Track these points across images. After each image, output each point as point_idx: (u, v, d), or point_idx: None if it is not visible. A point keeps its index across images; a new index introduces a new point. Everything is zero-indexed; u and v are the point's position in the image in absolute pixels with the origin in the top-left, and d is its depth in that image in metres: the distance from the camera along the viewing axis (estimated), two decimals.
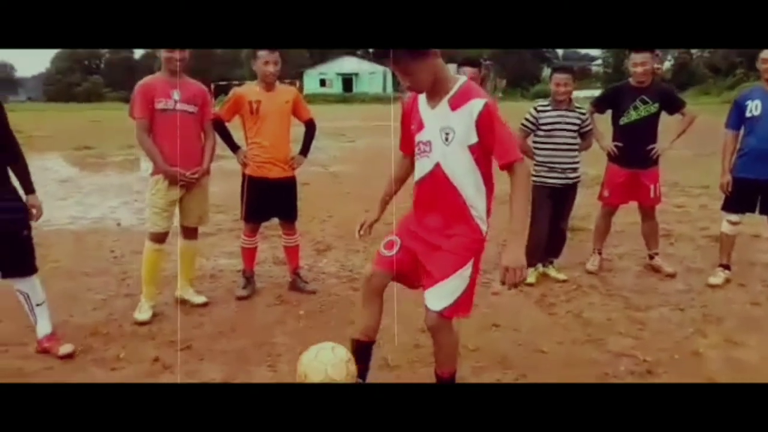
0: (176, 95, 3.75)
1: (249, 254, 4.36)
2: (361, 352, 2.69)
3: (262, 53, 3.97)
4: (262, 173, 4.11)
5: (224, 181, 8.39)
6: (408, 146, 2.61)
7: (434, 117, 2.38)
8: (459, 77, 2.41)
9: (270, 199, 4.17)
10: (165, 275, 4.28)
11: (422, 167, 2.47)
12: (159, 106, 3.72)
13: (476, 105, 2.29)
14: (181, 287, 4.16)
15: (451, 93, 2.34)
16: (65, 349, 3.30)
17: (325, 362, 2.49)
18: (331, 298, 4.25)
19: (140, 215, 6.55)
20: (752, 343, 3.44)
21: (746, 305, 4.05)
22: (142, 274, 3.94)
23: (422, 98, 2.44)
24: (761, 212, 4.32)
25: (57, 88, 66.05)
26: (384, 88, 56.24)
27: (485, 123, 2.29)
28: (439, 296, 2.40)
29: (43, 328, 3.36)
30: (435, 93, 2.37)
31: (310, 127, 4.39)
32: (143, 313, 3.82)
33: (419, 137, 2.45)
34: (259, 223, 4.34)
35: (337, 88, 57.83)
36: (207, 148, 3.97)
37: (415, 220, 2.55)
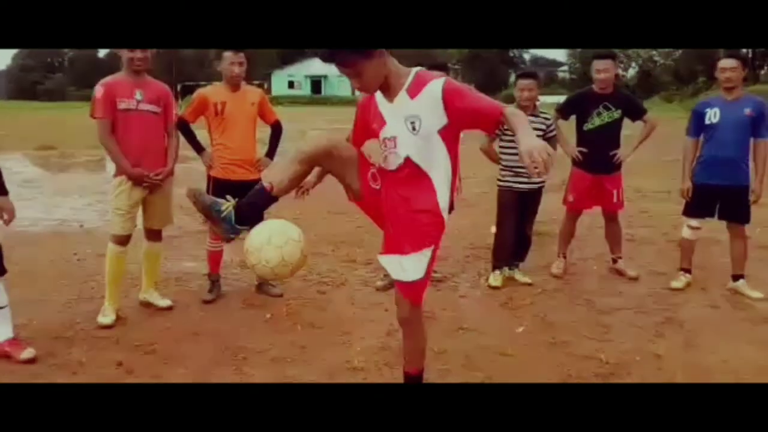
0: (139, 95, 3.69)
1: (215, 257, 4.31)
2: (263, 196, 2.51)
3: (228, 54, 3.94)
4: (226, 175, 4.07)
5: (190, 183, 8.27)
6: (359, 141, 2.61)
7: (395, 110, 2.35)
8: (412, 69, 2.37)
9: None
10: (129, 278, 4.21)
11: (391, 163, 2.42)
12: (121, 106, 3.65)
13: (435, 85, 2.25)
14: (145, 290, 4.09)
15: (407, 83, 2.31)
16: (27, 353, 3.21)
17: (280, 245, 2.43)
18: (298, 302, 4.23)
19: (104, 217, 6.42)
20: (712, 346, 3.54)
21: (706, 308, 4.16)
22: (105, 277, 3.86)
23: (378, 97, 2.41)
24: (720, 217, 4.44)
25: (19, 86, 64.38)
26: (353, 91, 56.11)
27: (451, 97, 2.23)
28: (414, 267, 2.39)
29: (4, 332, 3.26)
30: (390, 88, 2.34)
31: (277, 130, 4.37)
32: (106, 317, 3.74)
33: (383, 134, 2.41)
34: None
35: (305, 90, 57.55)
36: (171, 149, 3.91)
37: (385, 193, 2.48)
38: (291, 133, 4.47)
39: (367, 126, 2.51)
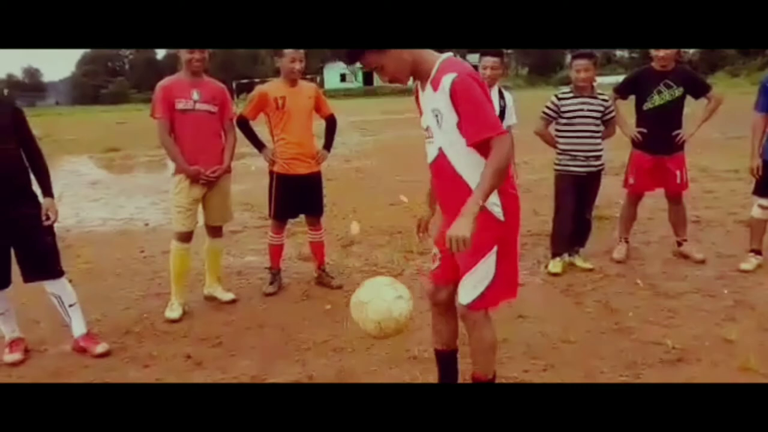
0: (196, 95, 3.81)
1: (276, 251, 4.41)
2: (445, 360, 2.70)
3: (289, 51, 4.01)
4: (290, 170, 4.15)
5: (250, 179, 8.48)
6: None
7: (426, 101, 2.31)
8: (442, 55, 2.25)
9: (298, 196, 4.22)
10: (194, 273, 4.36)
11: (429, 154, 2.40)
12: (179, 106, 3.78)
13: (446, 80, 2.14)
14: (209, 285, 4.23)
15: (432, 74, 2.23)
16: (101, 348, 3.39)
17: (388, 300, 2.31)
18: None
19: (168, 215, 6.64)
20: None
21: None
22: (170, 273, 4.01)
23: (419, 84, 2.37)
24: None
25: (83, 91, 67.33)
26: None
27: (457, 97, 2.14)
28: (465, 289, 2.37)
29: (78, 328, 3.46)
30: (420, 77, 2.30)
31: (331, 123, 4.43)
32: (174, 311, 3.90)
33: (422, 123, 2.39)
34: (286, 220, 4.39)
35: (358, 82, 57.81)
36: (227, 147, 4.02)
37: (440, 214, 2.51)
38: (343, 126, 4.52)
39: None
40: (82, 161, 13.40)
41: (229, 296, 4.17)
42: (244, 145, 4.25)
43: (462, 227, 2.04)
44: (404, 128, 16.47)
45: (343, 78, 58.18)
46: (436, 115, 2.24)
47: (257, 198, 7.39)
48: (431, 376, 2.89)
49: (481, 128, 2.14)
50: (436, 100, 2.22)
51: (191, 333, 3.69)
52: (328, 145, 4.40)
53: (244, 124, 4.17)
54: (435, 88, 2.21)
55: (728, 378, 2.85)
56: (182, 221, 3.89)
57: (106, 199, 8.55)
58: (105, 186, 9.78)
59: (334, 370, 3.14)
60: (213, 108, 3.89)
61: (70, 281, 3.61)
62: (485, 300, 2.38)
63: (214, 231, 4.17)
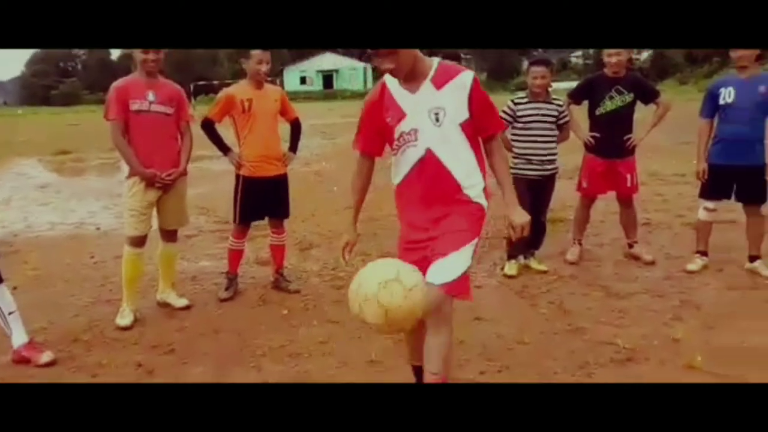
0: (151, 96, 3.72)
1: (236, 256, 4.35)
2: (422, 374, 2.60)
3: (256, 52, 3.98)
4: (256, 172, 4.11)
5: (206, 183, 8.34)
6: (374, 145, 2.47)
7: (417, 101, 2.29)
8: (433, 59, 2.34)
9: (264, 198, 4.19)
10: (146, 279, 4.26)
11: (409, 158, 2.34)
12: (134, 107, 3.69)
13: (467, 77, 2.28)
14: (163, 291, 4.13)
15: (432, 73, 2.28)
16: (45, 357, 3.26)
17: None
18: (315, 297, 4.25)
19: (120, 219, 6.46)
20: (729, 327, 3.50)
21: (723, 290, 4.12)
22: (122, 278, 3.90)
23: (393, 87, 2.34)
24: (737, 199, 4.39)
25: (32, 92, 65.12)
26: (365, 84, 56.15)
27: (478, 94, 2.29)
28: (442, 270, 2.24)
29: (19, 337, 3.31)
30: (413, 77, 2.29)
31: (297, 126, 4.43)
32: (124, 318, 3.79)
33: (401, 128, 2.33)
34: (249, 225, 4.33)
35: (317, 85, 57.62)
36: (184, 149, 3.95)
37: (408, 227, 2.44)
38: (303, 129, 4.52)
39: (378, 123, 2.40)
40: (31, 164, 12.95)
41: (182, 302, 4.08)
42: (200, 147, 4.18)
43: (524, 214, 2.37)
44: None
45: (302, 81, 57.89)
46: (436, 113, 2.28)
47: (213, 201, 7.29)
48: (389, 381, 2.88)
49: (497, 123, 2.43)
50: (439, 98, 2.27)
51: (143, 340, 3.59)
52: (293, 147, 4.39)
53: (209, 127, 4.12)
54: (439, 86, 2.28)
55: (675, 376, 2.94)
56: (135, 225, 3.79)
57: (56, 202, 8.27)
58: (55, 189, 9.46)
59: (291, 375, 3.11)
60: (169, 109, 3.81)
61: (15, 288, 3.48)
62: (458, 285, 2.26)
63: (169, 235, 4.08)
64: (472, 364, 3.16)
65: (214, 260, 5.11)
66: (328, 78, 58.56)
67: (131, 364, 3.27)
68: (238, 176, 4.19)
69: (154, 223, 3.97)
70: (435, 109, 2.27)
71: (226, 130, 4.14)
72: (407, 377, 2.79)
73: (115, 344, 3.55)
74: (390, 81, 2.36)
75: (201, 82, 46.28)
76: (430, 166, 2.32)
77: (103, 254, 5.41)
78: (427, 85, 2.28)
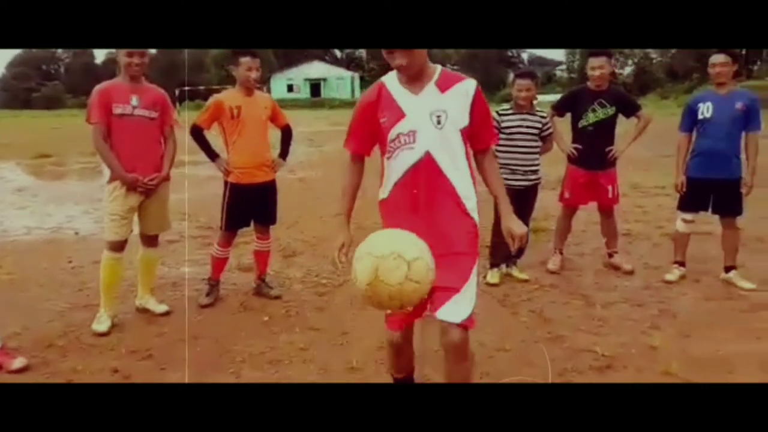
0: (135, 101, 3.70)
1: (220, 264, 4.32)
2: (405, 383, 2.68)
3: (245, 59, 3.98)
4: (245, 179, 4.10)
5: (189, 188, 8.27)
6: (366, 145, 2.42)
7: (420, 103, 2.26)
8: (436, 65, 2.34)
9: (252, 205, 4.18)
10: (125, 285, 4.21)
11: (403, 162, 2.28)
12: (117, 111, 3.66)
13: (470, 85, 2.29)
14: (142, 296, 4.09)
15: (436, 77, 2.28)
16: (18, 363, 3.20)
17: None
18: (297, 303, 4.23)
19: (100, 224, 6.39)
20: (705, 336, 3.55)
21: (700, 300, 4.19)
22: (100, 284, 3.85)
23: (393, 88, 2.30)
24: (714, 211, 4.46)
25: (14, 94, 64.22)
26: (352, 93, 56.27)
27: (480, 103, 2.30)
28: (458, 307, 2.20)
29: None
30: (419, 78, 2.27)
31: (287, 133, 4.44)
32: (102, 324, 3.74)
33: (398, 129, 2.27)
34: (236, 233, 4.30)
35: (304, 93, 57.58)
36: (167, 154, 3.92)
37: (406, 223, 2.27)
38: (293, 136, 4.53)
39: (372, 123, 2.34)
40: (9, 167, 12.76)
41: (162, 308, 4.04)
42: (183, 152, 4.15)
43: (522, 224, 2.36)
44: None
45: (290, 89, 57.85)
46: (438, 116, 2.25)
47: (196, 207, 7.24)
48: None
49: (492, 135, 2.45)
50: (442, 101, 2.26)
51: (120, 346, 3.54)
52: (284, 154, 4.39)
53: (198, 133, 4.11)
54: (443, 90, 2.27)
55: (652, 383, 2.96)
56: (115, 230, 3.75)
57: (33, 207, 8.14)
58: (32, 193, 9.32)
59: (270, 382, 3.08)
60: (153, 114, 3.79)
61: None
62: (473, 317, 2.24)
63: (150, 240, 4.04)
64: None
65: (195, 266, 5.06)
66: (315, 86, 58.55)
67: (107, 369, 3.23)
68: (226, 183, 4.17)
69: (135, 228, 3.93)
70: (437, 111, 2.25)
71: (214, 138, 4.13)
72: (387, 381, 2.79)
73: (92, 350, 3.50)
74: (390, 81, 2.33)
75: (186, 88, 46.03)
76: (427, 171, 2.26)
77: (81, 259, 5.33)
78: (431, 87, 2.27)
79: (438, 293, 2.20)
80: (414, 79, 2.27)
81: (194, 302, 4.24)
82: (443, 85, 2.27)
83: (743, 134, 4.31)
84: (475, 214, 2.35)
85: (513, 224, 2.34)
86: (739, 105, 4.24)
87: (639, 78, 49.52)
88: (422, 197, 2.28)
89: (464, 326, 2.22)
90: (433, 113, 2.25)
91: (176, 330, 3.77)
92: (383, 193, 2.40)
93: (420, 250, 2.03)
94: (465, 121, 2.29)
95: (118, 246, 3.79)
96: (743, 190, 4.30)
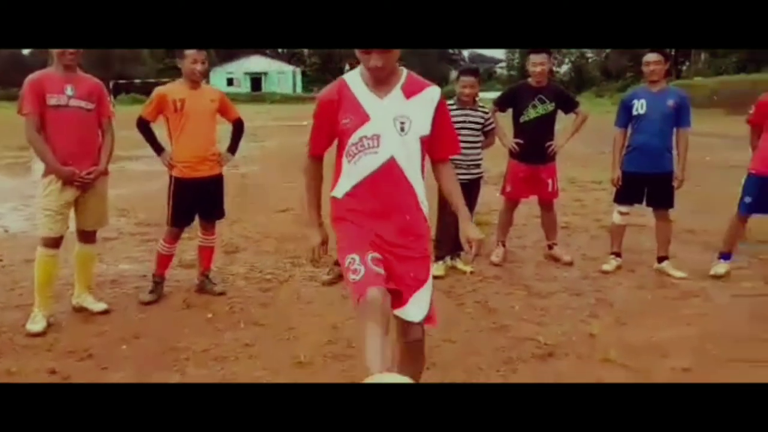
0: (70, 90, 3.55)
1: (165, 261, 4.21)
2: None
3: (191, 52, 3.88)
4: (188, 173, 4.00)
5: (128, 184, 8.01)
6: (327, 145, 2.34)
7: (384, 107, 2.19)
8: (402, 68, 2.27)
9: (198, 200, 4.09)
10: (61, 283, 4.04)
11: (367, 165, 2.20)
12: (51, 101, 3.50)
13: (434, 93, 2.25)
14: (78, 294, 3.93)
15: (402, 81, 2.21)
16: None
17: None
18: (241, 300, 4.17)
19: (31, 221, 6.11)
20: (639, 323, 3.72)
21: (634, 289, 4.38)
22: (34, 282, 3.68)
23: (357, 88, 2.22)
24: (648, 204, 4.67)
25: None
26: (294, 88, 55.70)
27: (443, 112, 2.27)
28: (419, 305, 2.25)
29: None
30: (387, 81, 2.20)
31: (239, 126, 4.35)
32: (36, 324, 3.57)
33: (362, 132, 2.18)
34: (183, 229, 4.19)
35: (245, 87, 56.57)
36: (105, 147, 3.78)
37: (367, 229, 2.24)
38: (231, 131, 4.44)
39: (332, 124, 2.25)
40: None
41: (101, 306, 3.90)
42: (120, 148, 4.02)
43: (479, 230, 2.34)
44: (293, 135, 16.34)
45: (229, 82, 56.70)
46: (402, 122, 2.18)
47: (134, 203, 7.02)
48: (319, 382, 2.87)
49: (455, 146, 2.40)
50: (406, 107, 2.20)
51: (57, 346, 3.40)
52: (232, 148, 4.31)
53: (144, 126, 3.98)
54: (408, 95, 2.20)
55: (592, 369, 3.10)
56: (50, 225, 3.59)
57: None
58: None
59: (216, 379, 3.03)
60: (89, 105, 3.64)
61: None
62: (432, 314, 2.30)
63: (87, 236, 3.89)
64: None
65: (134, 263, 4.91)
66: (256, 80, 57.62)
67: (43, 370, 3.09)
68: (171, 177, 4.07)
69: (71, 224, 3.78)
70: (401, 117, 2.19)
71: (159, 129, 4.02)
72: (337, 379, 2.79)
73: (26, 351, 3.35)
74: (353, 81, 2.24)
75: (121, 81, 44.47)
76: (391, 175, 2.20)
77: (12, 257, 5.08)
78: (396, 92, 2.20)
79: (403, 293, 2.21)
80: (382, 81, 2.20)
81: (135, 300, 4.11)
82: (408, 91, 2.22)
83: (674, 130, 4.52)
84: (427, 221, 2.36)
85: (471, 231, 2.30)
86: (670, 102, 4.45)
87: (575, 76, 51.18)
88: (385, 200, 2.24)
89: (425, 323, 2.29)
90: (397, 119, 2.19)
91: (117, 329, 3.66)
92: (339, 192, 2.31)
93: None
94: (427, 129, 2.24)
95: (54, 242, 3.63)
96: (675, 184, 4.52)
